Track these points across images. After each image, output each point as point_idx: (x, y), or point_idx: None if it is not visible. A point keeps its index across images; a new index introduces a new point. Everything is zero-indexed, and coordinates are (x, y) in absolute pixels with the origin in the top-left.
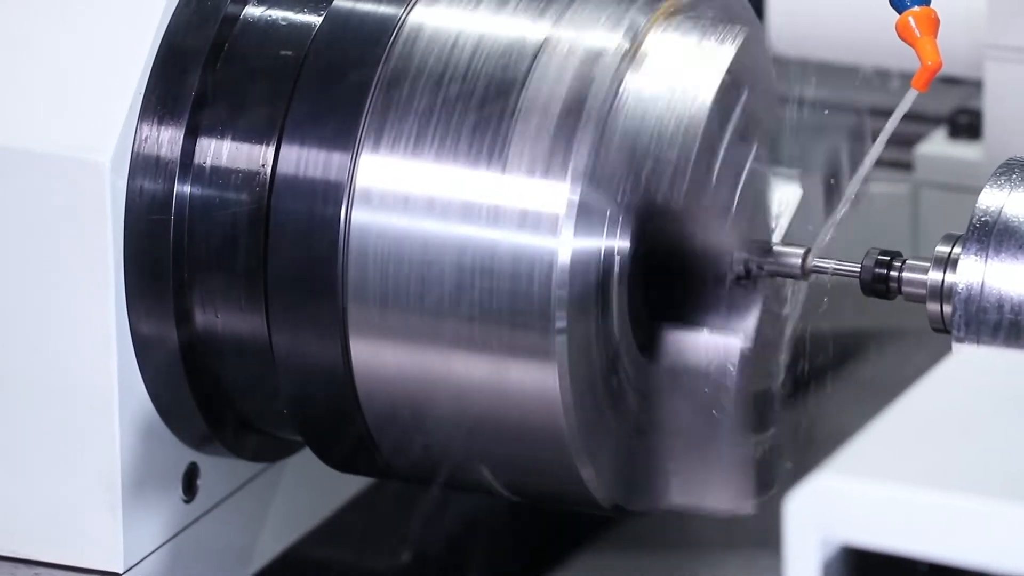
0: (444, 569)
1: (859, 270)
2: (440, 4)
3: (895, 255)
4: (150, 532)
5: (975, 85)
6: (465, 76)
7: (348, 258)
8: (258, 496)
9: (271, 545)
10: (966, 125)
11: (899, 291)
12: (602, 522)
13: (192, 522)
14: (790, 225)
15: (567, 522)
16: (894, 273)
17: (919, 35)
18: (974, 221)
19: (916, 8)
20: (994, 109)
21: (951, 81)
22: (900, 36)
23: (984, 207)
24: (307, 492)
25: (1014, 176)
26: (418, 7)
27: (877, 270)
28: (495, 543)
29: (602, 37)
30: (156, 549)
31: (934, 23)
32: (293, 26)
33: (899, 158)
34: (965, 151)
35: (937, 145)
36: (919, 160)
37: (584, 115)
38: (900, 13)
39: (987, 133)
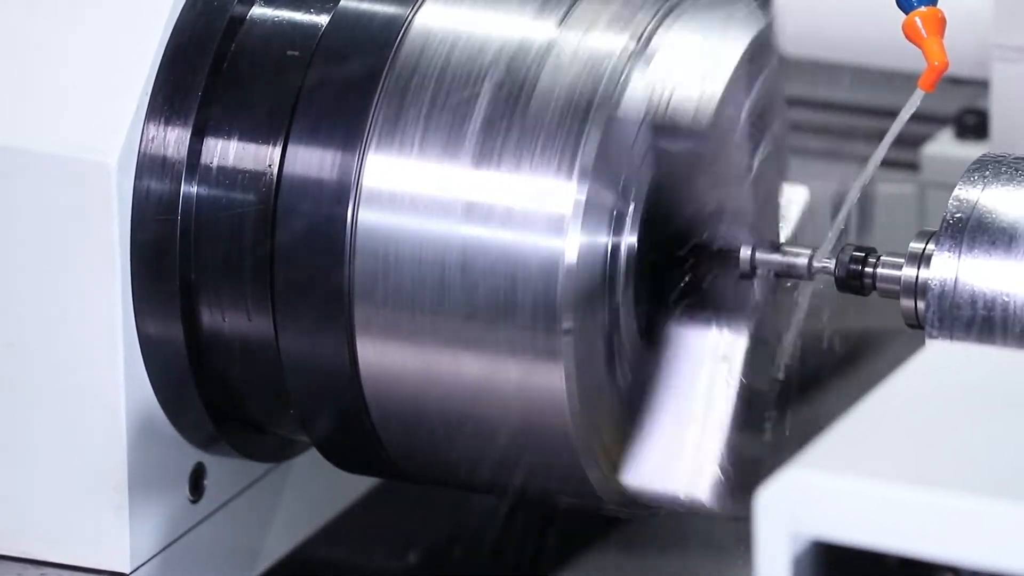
0: (448, 569)
1: (833, 266)
2: (447, 4)
3: (870, 251)
4: (156, 532)
5: (982, 85)
6: (471, 76)
7: (355, 258)
8: (265, 496)
9: (278, 545)
10: (973, 125)
11: (874, 287)
12: (606, 523)
13: (198, 522)
14: (797, 225)
15: (571, 523)
16: (869, 269)
17: (926, 35)
18: (947, 217)
19: (923, 8)
20: (1001, 109)
21: (958, 81)
22: (907, 36)
23: (957, 203)
24: (314, 492)
25: (987, 173)
26: (425, 7)
27: (851, 266)
28: (500, 543)
29: (609, 38)
30: (163, 549)
31: (941, 23)
32: (300, 26)
33: (905, 158)
34: (972, 151)
35: (944, 145)
36: (925, 160)
37: (590, 115)
38: (907, 13)
39: (994, 133)
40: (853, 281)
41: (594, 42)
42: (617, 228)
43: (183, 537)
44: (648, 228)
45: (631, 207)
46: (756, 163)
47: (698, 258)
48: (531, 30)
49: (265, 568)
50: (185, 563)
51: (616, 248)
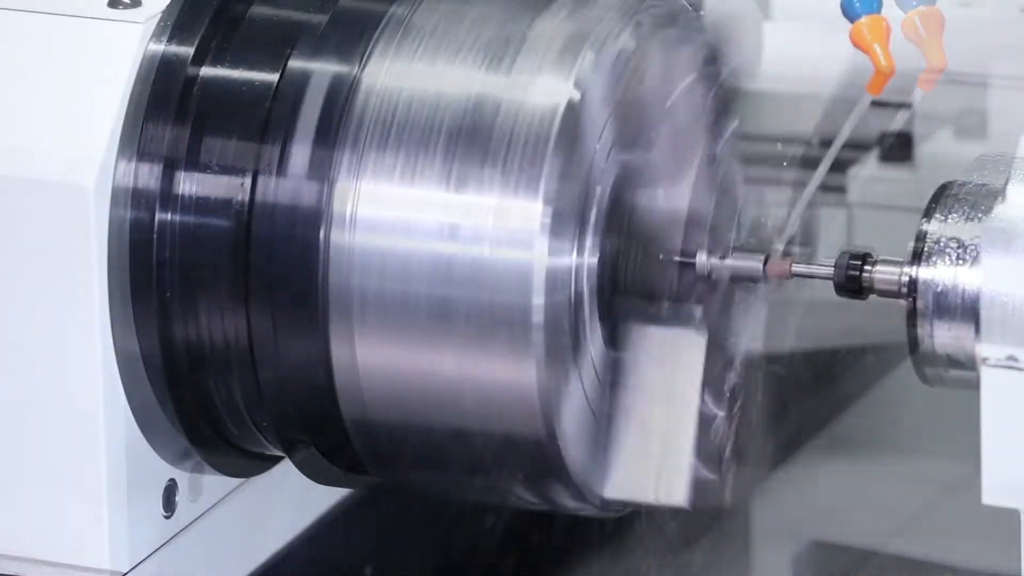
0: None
1: (832, 270)
2: (395, 60)
3: (867, 255)
4: (153, 531)
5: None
6: (435, 107)
7: (328, 278)
8: (262, 492)
9: (274, 541)
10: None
11: (872, 290)
12: (606, 526)
13: (196, 519)
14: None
15: (571, 526)
16: (867, 273)
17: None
18: (947, 217)
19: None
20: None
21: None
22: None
23: (956, 202)
24: (311, 487)
25: (986, 172)
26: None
27: (850, 271)
28: (498, 546)
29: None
30: (160, 547)
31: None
32: (267, 57)
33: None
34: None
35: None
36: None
37: (549, 146)
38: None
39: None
40: (851, 284)
41: (543, 82)
42: (580, 239)
43: (180, 534)
44: (610, 238)
45: (592, 220)
46: (711, 170)
47: (658, 266)
48: (486, 70)
49: (261, 564)
50: (182, 560)
51: (580, 258)
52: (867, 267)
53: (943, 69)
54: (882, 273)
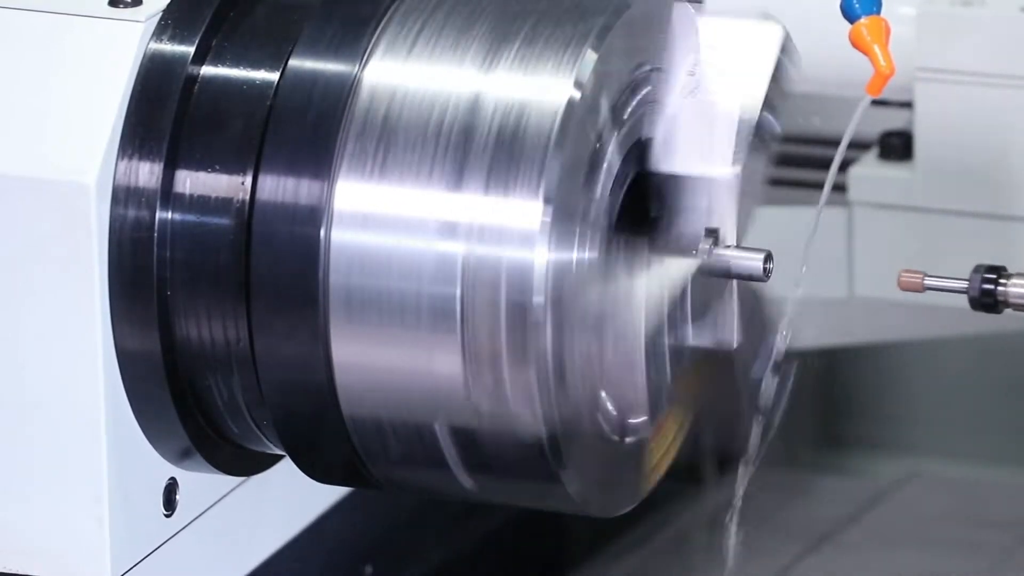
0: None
1: (966, 286)
2: (402, 49)
3: (1000, 269)
4: (154, 529)
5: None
6: (435, 105)
7: (329, 275)
8: (263, 490)
9: (275, 539)
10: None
11: (1007, 303)
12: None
13: (196, 517)
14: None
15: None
16: (1003, 283)
17: (871, 43)
18: None
19: (867, 18)
20: (924, 130)
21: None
22: (853, 44)
23: None
24: (311, 485)
25: None
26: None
27: (986, 278)
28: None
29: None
30: (161, 545)
31: (886, 30)
32: (266, 57)
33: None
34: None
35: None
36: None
37: (550, 146)
38: (852, 22)
39: (918, 154)
40: (986, 298)
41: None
42: (581, 241)
43: (181, 533)
44: (611, 240)
45: (594, 224)
46: None
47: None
48: (487, 75)
49: (263, 561)
50: (183, 558)
51: (580, 258)
52: (1002, 280)
53: (891, 75)
54: (1017, 287)
